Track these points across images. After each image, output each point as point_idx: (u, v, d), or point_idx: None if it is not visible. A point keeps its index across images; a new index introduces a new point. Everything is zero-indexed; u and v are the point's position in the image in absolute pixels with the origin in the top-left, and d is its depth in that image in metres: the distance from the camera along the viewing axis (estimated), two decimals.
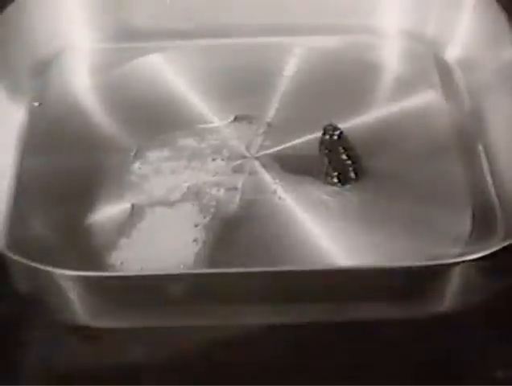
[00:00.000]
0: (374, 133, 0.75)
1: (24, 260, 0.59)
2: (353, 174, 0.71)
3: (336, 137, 0.73)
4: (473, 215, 0.68)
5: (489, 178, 0.71)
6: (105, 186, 0.71)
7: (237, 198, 0.70)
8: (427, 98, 0.78)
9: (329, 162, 0.71)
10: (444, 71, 0.81)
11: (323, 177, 0.71)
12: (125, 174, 0.72)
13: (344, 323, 0.60)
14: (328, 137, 0.73)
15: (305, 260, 0.66)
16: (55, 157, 0.74)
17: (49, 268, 0.58)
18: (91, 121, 0.77)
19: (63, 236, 0.67)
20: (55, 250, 0.66)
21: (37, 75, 0.80)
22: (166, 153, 0.74)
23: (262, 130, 0.76)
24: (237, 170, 0.73)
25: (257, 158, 0.74)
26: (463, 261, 0.59)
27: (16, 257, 0.59)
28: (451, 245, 0.66)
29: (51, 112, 0.77)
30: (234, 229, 0.68)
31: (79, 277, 0.59)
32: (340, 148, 0.72)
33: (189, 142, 0.75)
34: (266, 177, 0.72)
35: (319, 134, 0.74)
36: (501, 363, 0.59)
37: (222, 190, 0.71)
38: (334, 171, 0.71)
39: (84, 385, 0.57)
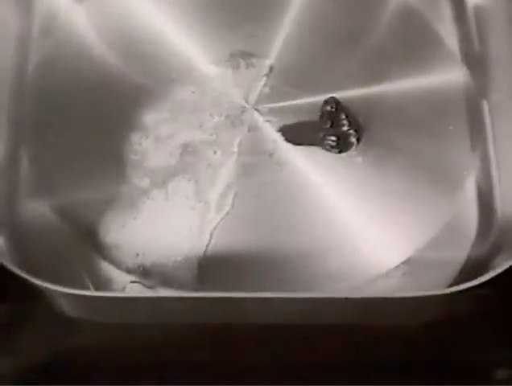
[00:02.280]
0: (378, 96, 0.71)
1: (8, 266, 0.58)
2: (354, 140, 0.68)
3: (336, 108, 0.69)
4: (476, 195, 0.68)
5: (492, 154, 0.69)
6: (106, 167, 0.68)
7: (234, 159, 0.68)
8: (435, 39, 0.73)
9: (330, 128, 0.69)
10: (459, 12, 0.74)
11: (323, 142, 0.68)
12: (127, 153, 0.68)
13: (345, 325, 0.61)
14: (329, 108, 0.69)
15: (311, 231, 0.66)
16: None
17: (38, 282, 0.57)
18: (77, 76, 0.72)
19: (61, 215, 0.66)
20: (52, 228, 0.66)
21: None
22: (164, 114, 0.70)
23: (262, 74, 0.71)
24: (235, 125, 0.70)
25: (256, 110, 0.70)
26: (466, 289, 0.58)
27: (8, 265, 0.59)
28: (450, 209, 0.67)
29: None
30: (232, 207, 0.67)
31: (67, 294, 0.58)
32: (342, 115, 0.69)
33: (186, 95, 0.71)
34: (265, 135, 0.69)
35: (322, 96, 0.70)
36: (501, 363, 0.60)
37: (219, 153, 0.69)
38: (334, 137, 0.68)
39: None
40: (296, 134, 0.69)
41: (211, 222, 0.66)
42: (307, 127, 0.69)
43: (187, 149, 0.68)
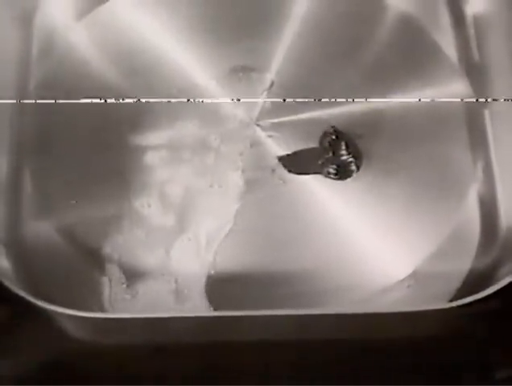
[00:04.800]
0: (379, 107, 0.71)
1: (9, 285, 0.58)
2: (354, 168, 0.68)
3: (336, 137, 0.69)
4: (478, 206, 0.68)
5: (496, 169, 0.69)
6: (108, 187, 0.68)
7: (236, 175, 0.68)
8: (435, 49, 0.73)
9: (330, 157, 0.69)
10: (458, 21, 0.74)
11: (323, 169, 0.68)
12: (129, 171, 0.68)
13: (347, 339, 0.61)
14: (328, 138, 0.69)
15: (314, 245, 0.66)
16: None
17: (40, 304, 0.57)
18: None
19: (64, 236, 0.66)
20: (56, 249, 0.66)
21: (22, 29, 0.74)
22: (166, 131, 0.70)
23: (264, 88, 0.71)
24: (237, 141, 0.70)
25: (258, 125, 0.70)
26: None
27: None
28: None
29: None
30: (235, 223, 0.67)
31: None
32: (342, 144, 0.69)
33: (187, 112, 0.70)
34: (268, 150, 0.69)
35: (323, 110, 0.70)
36: (501, 363, 0.60)
37: (222, 170, 0.69)
38: (335, 166, 0.68)
39: None
40: (296, 164, 0.69)
41: (215, 240, 0.66)
42: (306, 155, 0.69)
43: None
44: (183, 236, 0.66)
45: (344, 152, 0.68)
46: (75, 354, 0.61)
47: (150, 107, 0.71)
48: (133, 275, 0.65)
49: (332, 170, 0.68)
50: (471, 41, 0.73)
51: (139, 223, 0.66)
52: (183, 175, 0.68)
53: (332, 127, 0.69)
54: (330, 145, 0.69)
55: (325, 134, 0.69)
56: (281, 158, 0.69)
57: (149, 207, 0.67)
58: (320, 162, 0.68)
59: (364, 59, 0.73)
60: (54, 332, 0.61)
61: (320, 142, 0.69)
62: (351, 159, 0.68)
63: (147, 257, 0.65)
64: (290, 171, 0.68)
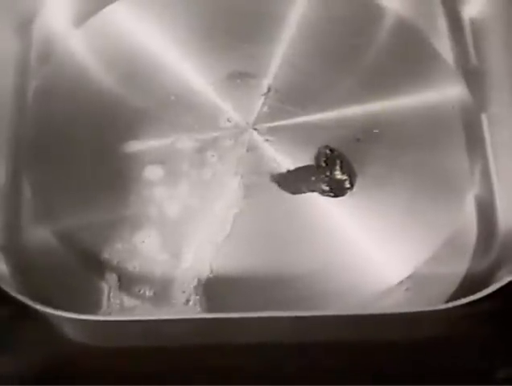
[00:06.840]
0: (377, 112, 0.71)
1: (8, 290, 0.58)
2: (349, 186, 0.68)
3: (331, 154, 0.69)
4: (476, 210, 0.68)
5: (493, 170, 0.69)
6: (107, 192, 0.68)
7: (234, 180, 0.68)
8: (432, 54, 0.74)
9: (325, 176, 0.69)
10: (455, 25, 0.74)
11: (318, 187, 0.68)
12: (128, 176, 0.68)
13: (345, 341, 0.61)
14: (323, 156, 0.69)
15: (313, 250, 0.66)
16: None
17: (38, 306, 0.57)
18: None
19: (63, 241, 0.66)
20: (55, 254, 0.66)
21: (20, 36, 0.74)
22: (165, 135, 0.70)
23: (261, 93, 0.72)
24: (235, 145, 0.70)
25: (255, 129, 0.71)
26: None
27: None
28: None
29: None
30: (232, 228, 0.67)
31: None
32: (337, 163, 0.69)
33: (185, 117, 0.71)
34: (265, 155, 0.69)
35: (320, 114, 0.70)
36: (501, 363, 0.60)
37: (219, 174, 0.69)
38: (330, 184, 0.68)
39: None
40: (291, 183, 0.69)
41: (213, 245, 0.66)
42: (302, 174, 0.69)
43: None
44: (181, 241, 0.66)
45: (338, 171, 0.68)
46: (73, 356, 0.61)
47: (147, 113, 0.71)
48: (130, 281, 0.65)
49: (326, 189, 0.68)
50: (468, 45, 0.73)
51: (138, 230, 0.66)
52: (180, 182, 0.68)
53: (327, 146, 0.69)
54: (326, 164, 0.69)
55: (320, 153, 0.69)
56: (275, 177, 0.69)
57: (147, 213, 0.67)
58: (315, 181, 0.68)
59: (361, 63, 0.73)
60: (52, 335, 0.61)
61: (315, 161, 0.69)
62: (346, 177, 0.68)
63: (145, 264, 0.65)
64: (284, 190, 0.68)
